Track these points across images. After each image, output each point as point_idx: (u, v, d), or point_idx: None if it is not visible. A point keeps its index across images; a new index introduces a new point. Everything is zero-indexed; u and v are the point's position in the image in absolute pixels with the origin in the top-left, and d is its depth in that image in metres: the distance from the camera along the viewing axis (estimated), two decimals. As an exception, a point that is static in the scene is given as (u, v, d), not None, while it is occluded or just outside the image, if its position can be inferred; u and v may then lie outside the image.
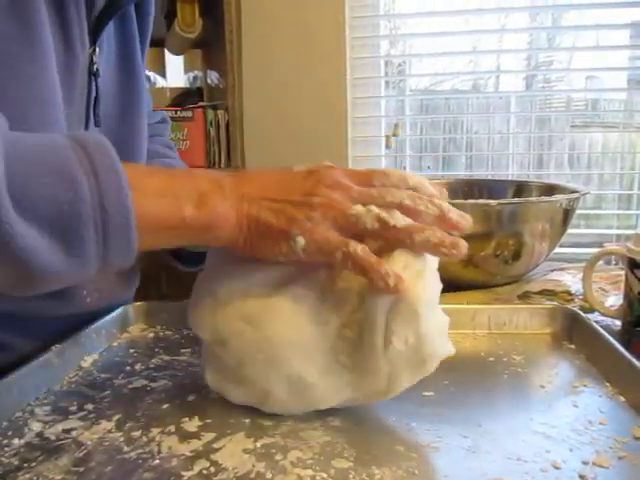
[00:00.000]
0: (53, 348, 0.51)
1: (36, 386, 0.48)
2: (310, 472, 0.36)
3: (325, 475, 0.36)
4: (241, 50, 1.53)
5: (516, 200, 0.88)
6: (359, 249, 0.40)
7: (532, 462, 0.37)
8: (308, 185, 0.42)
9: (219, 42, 1.53)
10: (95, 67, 0.57)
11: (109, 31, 0.60)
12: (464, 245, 0.41)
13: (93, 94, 0.58)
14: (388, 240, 0.41)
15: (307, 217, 0.41)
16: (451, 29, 1.56)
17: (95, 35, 0.56)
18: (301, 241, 0.40)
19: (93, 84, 0.57)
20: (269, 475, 0.36)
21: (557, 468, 0.37)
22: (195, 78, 1.95)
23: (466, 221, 0.42)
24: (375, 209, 0.41)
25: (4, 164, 0.33)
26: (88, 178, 0.36)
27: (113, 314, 0.62)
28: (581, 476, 0.36)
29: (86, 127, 0.58)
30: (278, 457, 0.38)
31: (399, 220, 0.40)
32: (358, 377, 0.42)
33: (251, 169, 0.47)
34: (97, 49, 0.57)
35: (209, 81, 1.79)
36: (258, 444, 0.40)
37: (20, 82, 0.47)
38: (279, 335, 0.42)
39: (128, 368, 0.54)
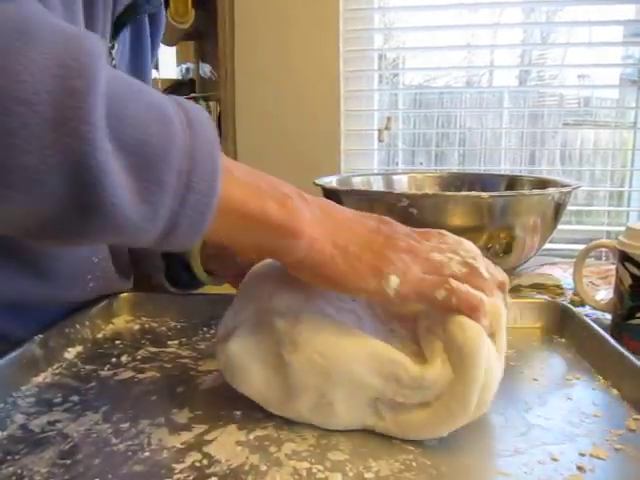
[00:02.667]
0: (36, 338, 0.50)
1: (18, 377, 0.47)
2: (306, 464, 0.36)
3: (321, 467, 0.36)
4: (234, 42, 1.52)
5: (508, 193, 0.88)
6: (462, 286, 0.39)
7: (529, 454, 0.37)
8: (386, 229, 0.41)
9: (212, 34, 1.52)
10: (113, 62, 0.58)
11: (125, 30, 0.62)
12: None
13: None
14: (472, 286, 0.40)
15: (398, 257, 0.39)
16: (445, 23, 1.55)
17: (115, 32, 0.58)
18: (395, 280, 0.38)
19: None
20: (264, 467, 0.35)
21: (555, 460, 0.37)
22: (187, 70, 1.94)
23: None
24: (456, 256, 0.41)
25: (110, 81, 0.30)
26: (181, 123, 0.32)
27: (97, 305, 0.61)
28: (579, 467, 0.36)
29: None
30: (272, 449, 0.38)
31: (482, 268, 0.40)
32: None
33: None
34: (116, 45, 0.59)
35: (201, 73, 1.78)
36: (251, 436, 0.39)
37: None
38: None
39: (114, 360, 0.53)
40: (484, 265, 0.42)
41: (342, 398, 0.39)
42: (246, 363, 0.41)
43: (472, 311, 0.38)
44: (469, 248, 0.43)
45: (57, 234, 0.33)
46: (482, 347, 0.37)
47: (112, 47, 0.59)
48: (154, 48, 0.71)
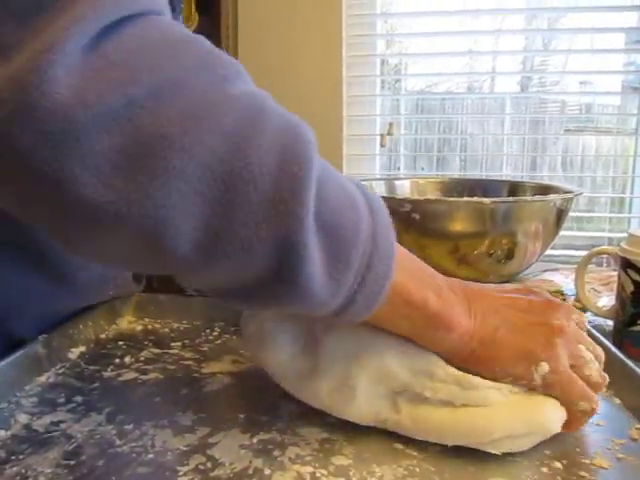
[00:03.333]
0: (40, 338, 0.50)
1: (22, 377, 0.47)
2: (310, 469, 0.36)
3: (325, 472, 0.36)
4: (237, 46, 1.53)
5: (510, 199, 0.88)
6: (596, 406, 0.40)
7: (532, 462, 0.37)
8: (537, 305, 0.41)
9: (215, 38, 1.52)
10: None
11: None
12: None
13: None
14: (564, 394, 0.40)
15: (550, 342, 0.39)
16: (447, 30, 1.56)
17: None
18: (545, 368, 0.38)
19: None
20: (267, 471, 0.36)
21: (557, 468, 0.36)
22: (190, 74, 1.94)
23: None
24: (596, 363, 0.41)
25: (320, 170, 0.33)
26: (366, 207, 0.35)
27: (101, 306, 0.61)
28: (581, 477, 0.36)
29: None
30: (276, 453, 0.38)
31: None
32: None
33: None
34: None
35: (204, 77, 1.78)
36: (255, 440, 0.39)
37: None
38: None
39: (117, 360, 0.53)
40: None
41: (365, 385, 0.40)
42: (277, 334, 0.42)
43: (579, 424, 0.40)
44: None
45: (246, 298, 0.35)
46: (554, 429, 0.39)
47: None
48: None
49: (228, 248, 0.31)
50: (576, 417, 0.39)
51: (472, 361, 0.39)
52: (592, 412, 0.39)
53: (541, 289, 0.44)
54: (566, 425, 0.39)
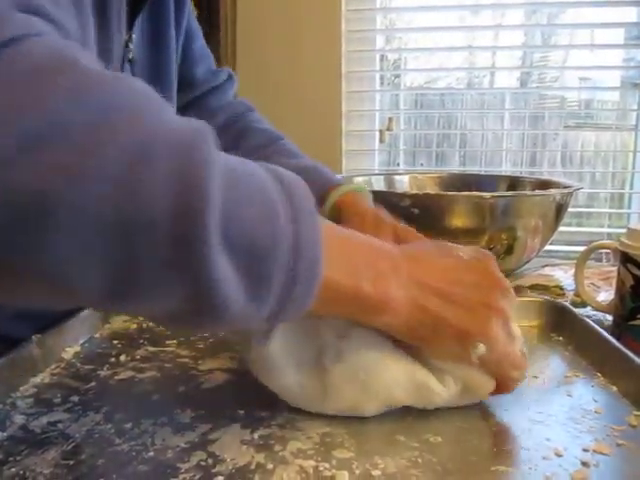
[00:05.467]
0: (34, 338, 0.49)
1: (16, 378, 0.46)
2: (312, 462, 0.36)
3: (327, 465, 0.35)
4: (235, 42, 1.52)
5: (509, 193, 0.88)
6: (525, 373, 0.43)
7: (533, 450, 0.37)
8: (485, 283, 0.42)
9: (214, 34, 1.52)
10: (131, 55, 0.56)
11: (143, 16, 0.59)
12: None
13: None
14: (499, 369, 0.42)
15: (487, 321, 0.40)
16: (447, 25, 1.56)
17: (131, 21, 0.55)
18: (481, 349, 0.40)
19: (128, 72, 0.56)
20: (270, 466, 0.35)
21: (559, 455, 0.37)
22: (189, 69, 1.94)
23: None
24: (521, 337, 0.43)
25: (223, 189, 0.30)
26: (286, 210, 0.33)
27: (94, 305, 0.61)
28: (583, 463, 0.36)
29: None
30: (277, 448, 0.37)
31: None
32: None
33: (411, 245, 0.47)
34: (134, 35, 0.56)
35: (203, 72, 1.78)
36: (255, 435, 0.39)
37: None
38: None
39: (113, 359, 0.52)
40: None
41: (373, 409, 0.42)
42: (283, 364, 0.42)
43: (505, 390, 0.43)
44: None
45: (175, 324, 0.36)
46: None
47: (129, 39, 0.55)
48: (178, 32, 0.67)
49: (138, 291, 0.30)
50: (506, 385, 0.43)
51: (416, 340, 0.41)
52: (522, 379, 0.43)
53: (488, 257, 0.44)
54: (496, 392, 0.43)
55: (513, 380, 0.43)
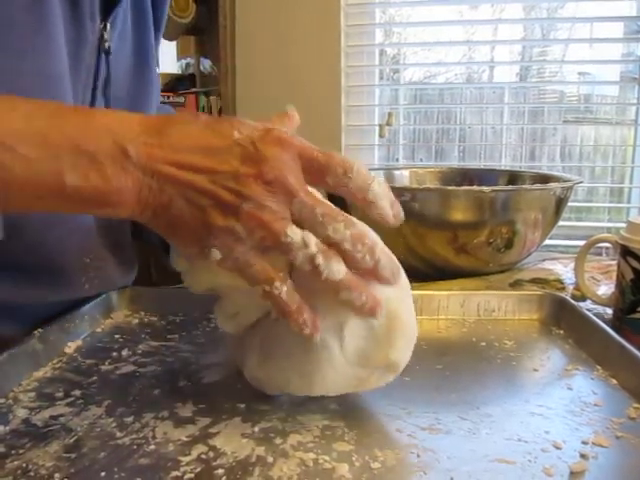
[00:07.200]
0: (36, 333, 0.49)
1: (18, 372, 0.46)
2: (312, 455, 0.36)
3: (328, 458, 0.36)
4: (234, 37, 1.52)
5: (510, 187, 0.88)
6: (284, 292, 0.35)
7: (533, 442, 0.37)
8: (243, 171, 0.34)
9: (212, 28, 1.52)
10: (107, 44, 0.54)
11: (125, 12, 0.58)
12: (380, 312, 0.38)
13: (103, 74, 0.55)
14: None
15: (229, 228, 0.34)
16: (446, 20, 1.55)
17: (107, 10, 0.53)
18: (216, 255, 0.35)
19: (103, 63, 0.55)
20: (270, 459, 0.35)
21: (558, 448, 0.37)
22: (188, 65, 1.94)
23: (394, 279, 0.38)
24: (313, 246, 0.35)
25: None
26: None
27: (96, 300, 0.61)
28: (582, 455, 0.36)
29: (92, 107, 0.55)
30: (278, 441, 0.37)
31: (333, 273, 0.35)
32: None
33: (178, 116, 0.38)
34: (108, 25, 0.54)
35: (202, 68, 1.78)
36: (256, 428, 0.39)
37: (24, 53, 0.45)
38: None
39: (114, 354, 0.52)
40: (363, 251, 0.36)
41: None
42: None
43: (283, 316, 0.37)
44: (372, 197, 0.37)
45: None
46: None
47: (104, 27, 0.53)
48: (157, 33, 0.67)
49: None
50: (270, 296, 0.36)
51: (161, 231, 0.36)
52: (279, 299, 0.36)
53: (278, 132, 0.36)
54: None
55: (267, 294, 0.36)
